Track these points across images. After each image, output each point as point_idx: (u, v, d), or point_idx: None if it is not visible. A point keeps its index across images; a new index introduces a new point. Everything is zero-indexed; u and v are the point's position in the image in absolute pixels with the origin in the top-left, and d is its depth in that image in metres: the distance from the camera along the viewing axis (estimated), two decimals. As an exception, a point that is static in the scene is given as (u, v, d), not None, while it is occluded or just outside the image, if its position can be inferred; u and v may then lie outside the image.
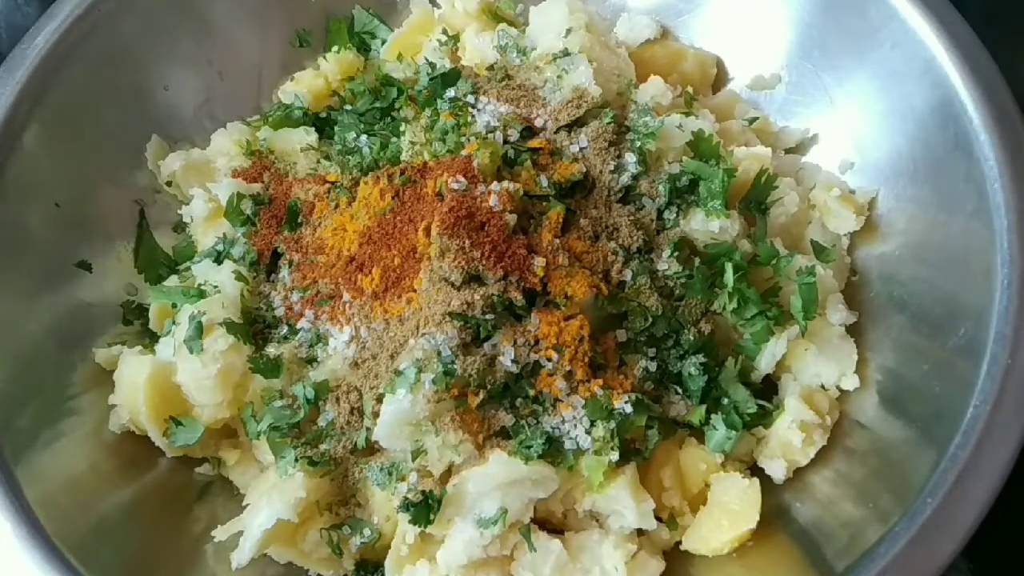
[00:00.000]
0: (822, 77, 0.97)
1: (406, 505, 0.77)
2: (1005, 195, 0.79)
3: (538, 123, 0.92)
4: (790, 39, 0.99)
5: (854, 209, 0.92)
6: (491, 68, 0.98)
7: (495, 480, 0.77)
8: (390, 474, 0.80)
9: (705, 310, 0.86)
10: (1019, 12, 0.96)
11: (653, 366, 0.83)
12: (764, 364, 0.86)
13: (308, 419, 0.82)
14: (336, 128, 1.00)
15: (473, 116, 0.91)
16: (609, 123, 0.90)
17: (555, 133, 0.91)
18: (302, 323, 0.86)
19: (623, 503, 0.79)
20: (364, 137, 0.97)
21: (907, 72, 0.89)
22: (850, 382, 0.87)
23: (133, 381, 0.82)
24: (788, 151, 1.00)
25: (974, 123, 0.82)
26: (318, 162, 0.98)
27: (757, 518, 0.80)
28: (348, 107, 1.02)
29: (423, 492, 0.77)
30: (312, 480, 0.79)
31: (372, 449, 0.82)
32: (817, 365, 0.86)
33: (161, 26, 0.99)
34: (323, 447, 0.81)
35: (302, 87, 1.03)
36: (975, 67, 0.84)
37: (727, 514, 0.81)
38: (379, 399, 0.80)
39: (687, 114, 0.94)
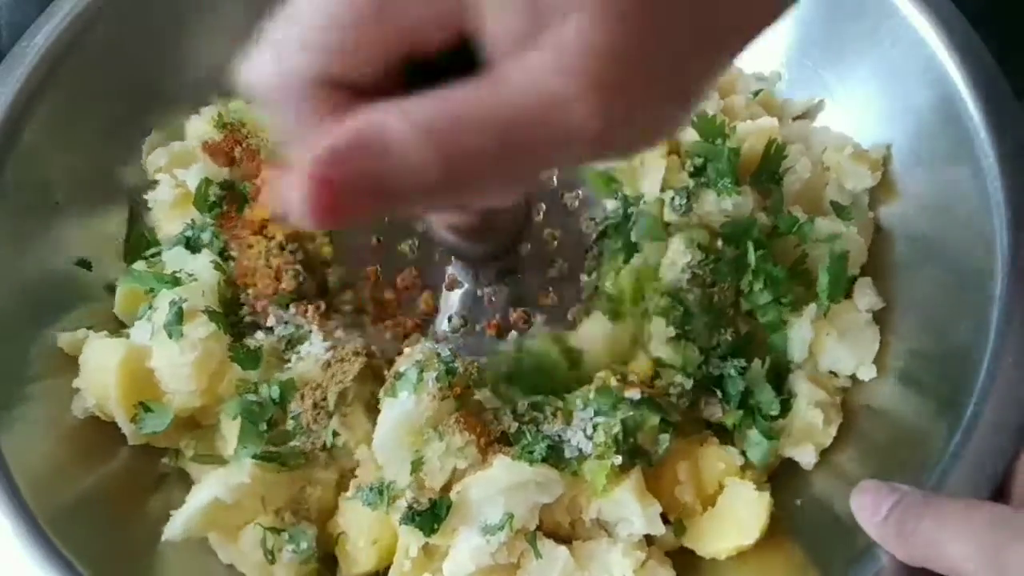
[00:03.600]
0: (822, 75, 0.97)
1: (411, 515, 0.72)
2: (1006, 194, 0.79)
3: None
4: (790, 37, 0.99)
5: (869, 165, 0.90)
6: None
7: (499, 484, 0.73)
8: (380, 493, 0.75)
9: (737, 292, 0.83)
10: (1020, 10, 0.97)
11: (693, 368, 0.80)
12: (797, 354, 0.84)
13: (277, 419, 0.77)
14: None
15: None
16: None
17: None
18: (270, 320, 0.82)
19: (629, 508, 0.76)
20: None
21: (907, 70, 0.88)
22: (867, 372, 0.84)
23: (104, 364, 0.77)
24: (796, 119, 0.99)
25: (974, 120, 0.82)
26: None
27: (758, 535, 0.77)
28: None
29: (430, 500, 0.73)
30: (260, 471, 0.74)
31: (332, 455, 0.78)
32: (837, 352, 0.84)
33: (162, 22, 0.96)
34: (292, 444, 0.77)
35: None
36: (975, 65, 0.84)
37: (732, 522, 0.78)
38: (342, 394, 0.77)
39: None
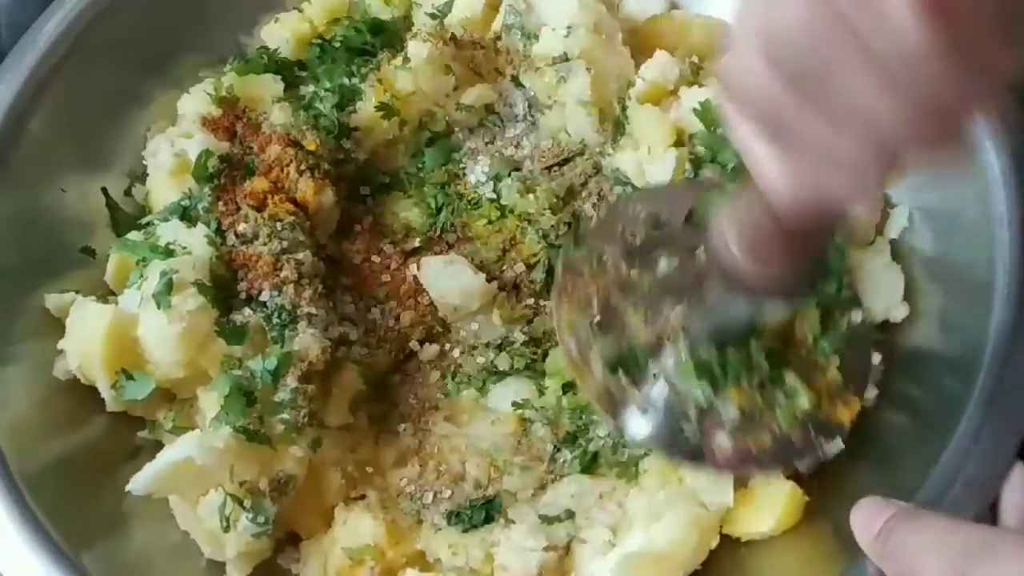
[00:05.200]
0: None
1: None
2: (1008, 204, 0.78)
3: (526, 166, 0.94)
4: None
5: None
6: (488, 46, 0.98)
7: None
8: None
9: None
10: None
11: None
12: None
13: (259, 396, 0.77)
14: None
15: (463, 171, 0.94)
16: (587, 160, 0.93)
17: (539, 174, 0.93)
18: (264, 296, 0.82)
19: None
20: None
21: None
22: (899, 312, 0.83)
23: (90, 328, 0.78)
24: None
25: (979, 130, 0.80)
26: (294, 115, 0.93)
27: (773, 524, 0.76)
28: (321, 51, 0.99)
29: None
30: (235, 441, 0.75)
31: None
32: (865, 299, 0.83)
33: (166, 15, 0.99)
34: (281, 416, 0.77)
35: (285, 30, 1.00)
36: None
37: (759, 508, 0.78)
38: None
39: (692, 84, 0.93)
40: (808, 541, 0.77)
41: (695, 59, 0.97)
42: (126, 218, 0.92)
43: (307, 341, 0.80)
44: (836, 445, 0.75)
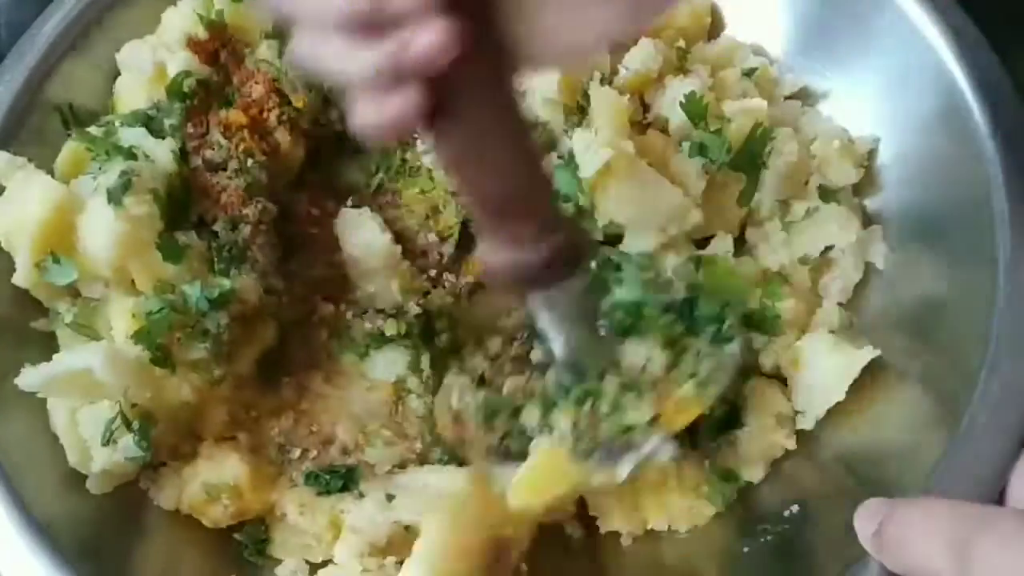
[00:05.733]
0: (828, 79, 0.97)
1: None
2: (1009, 205, 0.78)
3: None
4: (793, 40, 0.99)
5: (853, 161, 0.91)
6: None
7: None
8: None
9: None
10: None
11: None
12: None
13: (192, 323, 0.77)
14: None
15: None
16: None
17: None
18: (217, 226, 0.82)
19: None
20: None
21: (914, 77, 0.88)
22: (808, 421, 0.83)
23: (35, 197, 0.76)
24: (788, 97, 0.98)
25: (980, 130, 0.82)
26: (280, 55, 0.92)
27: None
28: None
29: None
30: (140, 363, 0.75)
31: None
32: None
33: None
34: (206, 345, 0.77)
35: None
36: (983, 73, 0.83)
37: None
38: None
39: (679, 71, 0.92)
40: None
41: (682, 43, 0.95)
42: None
43: (249, 284, 0.81)
44: (667, 451, 0.74)
